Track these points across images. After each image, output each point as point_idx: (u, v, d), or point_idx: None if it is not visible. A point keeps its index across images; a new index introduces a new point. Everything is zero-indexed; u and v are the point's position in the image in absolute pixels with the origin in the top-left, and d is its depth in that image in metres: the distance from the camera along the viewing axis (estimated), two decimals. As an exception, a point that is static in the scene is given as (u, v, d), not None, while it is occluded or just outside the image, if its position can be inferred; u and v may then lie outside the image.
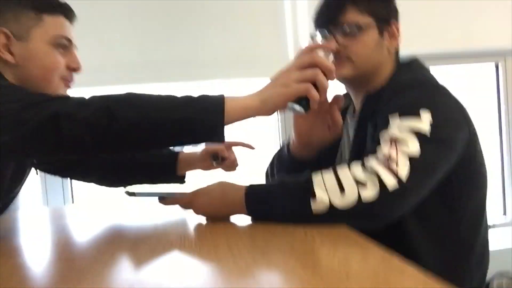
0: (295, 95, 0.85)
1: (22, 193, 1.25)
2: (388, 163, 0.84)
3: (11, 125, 0.79)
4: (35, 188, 2.04)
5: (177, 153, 1.28)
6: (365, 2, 1.05)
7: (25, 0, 1.00)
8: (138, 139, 0.82)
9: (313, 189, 0.84)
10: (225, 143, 1.24)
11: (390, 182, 0.82)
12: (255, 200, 0.90)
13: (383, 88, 1.04)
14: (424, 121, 0.89)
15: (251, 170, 1.42)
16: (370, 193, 0.82)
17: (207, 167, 1.28)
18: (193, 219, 0.97)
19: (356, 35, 1.04)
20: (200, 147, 1.29)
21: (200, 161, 1.27)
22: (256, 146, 1.29)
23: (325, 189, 0.84)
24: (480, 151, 1.04)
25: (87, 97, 0.83)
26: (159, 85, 2.03)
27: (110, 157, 1.25)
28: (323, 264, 0.64)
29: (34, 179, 1.78)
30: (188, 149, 1.31)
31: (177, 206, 1.00)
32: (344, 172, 0.85)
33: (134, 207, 1.23)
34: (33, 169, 1.23)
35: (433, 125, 0.89)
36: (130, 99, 0.82)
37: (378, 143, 0.89)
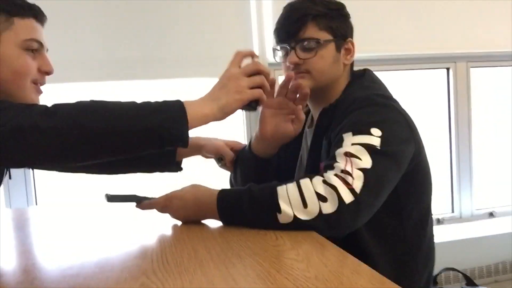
0: (249, 100, 0.95)
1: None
2: (344, 177, 0.92)
3: None
4: (-2, 190, 2.02)
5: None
6: (324, 20, 1.13)
7: None
8: (104, 149, 0.84)
9: (278, 203, 0.91)
10: (225, 142, 1.29)
11: (347, 197, 0.90)
12: (227, 207, 0.97)
13: (337, 102, 1.13)
14: (375, 137, 0.98)
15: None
16: (329, 207, 0.90)
17: (206, 156, 1.31)
18: (164, 221, 1.02)
19: (315, 50, 1.12)
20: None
21: (202, 152, 1.29)
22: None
23: (289, 203, 0.91)
24: (426, 160, 1.14)
25: (50, 104, 0.84)
26: (125, 82, 2.06)
27: None
28: (294, 266, 0.72)
29: None
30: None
31: (154, 210, 1.06)
32: (306, 186, 0.92)
33: (101, 209, 1.25)
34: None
35: (382, 141, 0.98)
36: (95, 108, 0.84)
37: (334, 160, 0.97)
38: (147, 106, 0.87)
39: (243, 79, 0.94)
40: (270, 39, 2.21)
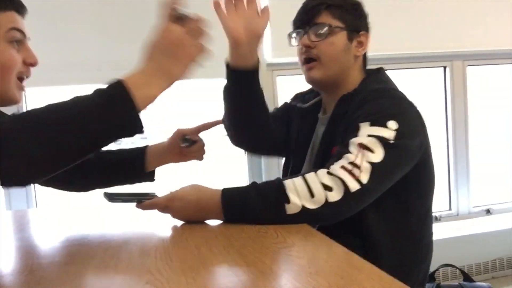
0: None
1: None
2: (352, 170, 0.96)
3: None
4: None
5: (144, 147, 1.27)
6: (338, 10, 1.18)
7: None
8: (70, 158, 0.81)
9: (287, 194, 0.95)
10: (194, 128, 1.26)
11: (353, 185, 0.95)
12: (232, 203, 0.98)
13: (356, 92, 1.16)
14: (390, 131, 1.01)
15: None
16: (336, 195, 0.94)
17: (177, 158, 1.27)
18: (164, 221, 1.03)
19: (326, 36, 1.17)
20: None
21: (169, 149, 1.26)
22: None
23: (297, 194, 0.95)
24: (431, 156, 1.18)
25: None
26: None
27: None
28: (295, 262, 0.74)
29: None
30: (155, 140, 1.29)
31: (155, 210, 1.07)
32: (312, 178, 0.96)
33: (102, 211, 1.26)
34: None
35: (397, 134, 1.02)
36: (42, 128, 0.78)
37: (347, 148, 1.00)
38: (96, 107, 0.80)
39: (190, 42, 0.86)
40: (268, 40, 2.23)
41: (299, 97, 1.39)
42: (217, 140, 1.42)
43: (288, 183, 0.97)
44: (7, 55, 0.98)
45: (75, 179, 1.22)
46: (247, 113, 1.25)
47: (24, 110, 0.85)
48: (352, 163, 0.97)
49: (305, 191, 0.95)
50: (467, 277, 1.75)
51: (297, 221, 0.95)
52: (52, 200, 2.15)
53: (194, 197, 1.01)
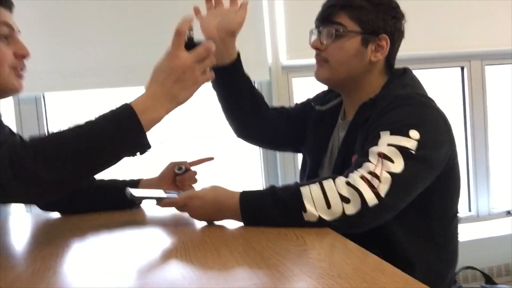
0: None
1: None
2: (371, 180, 0.93)
3: None
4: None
5: (138, 180, 1.30)
6: (356, 11, 1.13)
7: None
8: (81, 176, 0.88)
9: (303, 203, 0.93)
10: (188, 162, 1.29)
11: (371, 199, 0.92)
12: (249, 208, 0.98)
13: (377, 98, 1.12)
14: (412, 140, 0.98)
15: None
16: (352, 208, 0.92)
17: (170, 188, 1.27)
18: (182, 223, 1.04)
19: (337, 39, 1.13)
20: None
21: (161, 180, 1.29)
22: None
23: (313, 204, 0.93)
24: (458, 164, 1.14)
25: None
26: (138, 88, 2.09)
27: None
28: (317, 265, 0.73)
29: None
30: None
31: (173, 208, 1.07)
32: (330, 187, 0.94)
33: (120, 213, 1.25)
34: None
35: (419, 144, 0.98)
36: (55, 154, 0.83)
37: (366, 157, 0.98)
38: (104, 133, 0.85)
39: (197, 67, 0.90)
40: (283, 42, 2.22)
41: (320, 97, 1.37)
42: (233, 139, 1.45)
43: (305, 190, 0.95)
44: None
45: (63, 202, 1.21)
46: (235, 105, 1.31)
47: (42, 134, 0.89)
48: (372, 173, 0.94)
49: (322, 201, 0.93)
50: (488, 279, 1.72)
51: (314, 227, 0.93)
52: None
53: (212, 197, 1.01)
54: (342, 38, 1.13)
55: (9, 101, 1.87)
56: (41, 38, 1.88)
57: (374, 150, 0.98)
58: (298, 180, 1.33)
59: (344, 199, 0.92)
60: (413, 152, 0.97)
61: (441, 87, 2.71)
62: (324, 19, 1.16)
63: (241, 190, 1.01)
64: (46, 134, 0.85)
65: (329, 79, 1.18)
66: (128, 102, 0.88)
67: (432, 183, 1.04)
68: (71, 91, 2.04)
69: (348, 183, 0.94)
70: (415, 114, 1.04)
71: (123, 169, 1.22)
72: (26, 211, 2.09)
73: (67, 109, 2.12)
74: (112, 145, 0.86)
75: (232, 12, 1.18)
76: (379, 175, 0.94)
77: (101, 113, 0.87)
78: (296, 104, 1.44)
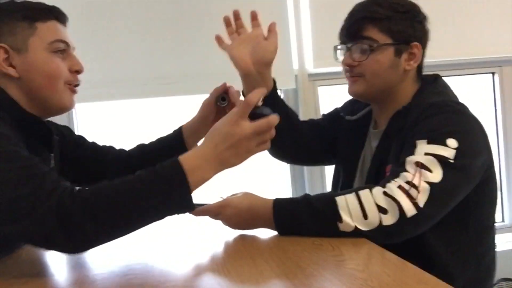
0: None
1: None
2: (409, 190, 0.91)
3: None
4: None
5: (179, 129, 1.26)
6: (386, 23, 1.10)
7: (16, 12, 1.01)
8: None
9: (339, 213, 0.92)
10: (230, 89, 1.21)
11: (409, 210, 0.90)
12: (284, 218, 0.97)
13: (411, 106, 1.10)
14: (450, 149, 0.95)
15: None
16: (390, 219, 0.90)
17: (216, 119, 1.15)
18: (215, 234, 1.04)
19: (369, 53, 1.10)
20: None
21: (203, 116, 1.23)
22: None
23: (350, 214, 0.91)
24: (495, 173, 1.12)
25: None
26: (169, 99, 2.11)
27: (123, 158, 1.28)
28: (356, 276, 0.72)
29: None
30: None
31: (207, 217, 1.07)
32: (366, 198, 0.92)
33: (153, 227, 1.28)
34: None
35: (457, 153, 0.95)
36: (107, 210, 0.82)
37: (403, 167, 0.96)
38: (149, 191, 0.83)
39: (255, 139, 0.87)
40: (309, 50, 2.21)
41: (348, 106, 1.35)
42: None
43: (340, 200, 0.93)
44: (53, 65, 1.03)
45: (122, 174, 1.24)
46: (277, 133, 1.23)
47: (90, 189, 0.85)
48: (410, 183, 0.92)
49: (358, 211, 0.91)
50: (525, 292, 1.66)
51: (349, 237, 0.92)
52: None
53: (246, 205, 1.00)
54: (375, 52, 1.11)
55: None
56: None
57: (411, 159, 0.96)
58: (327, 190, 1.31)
59: (382, 210, 0.91)
60: (451, 161, 0.95)
61: (472, 93, 2.66)
62: (352, 35, 1.13)
63: (273, 198, 1.00)
64: (96, 185, 0.84)
65: (364, 93, 1.15)
66: (178, 158, 0.86)
67: (470, 193, 1.02)
68: (101, 102, 2.07)
69: (385, 193, 0.92)
70: (451, 122, 1.02)
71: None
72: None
73: (97, 119, 2.15)
74: (158, 204, 0.84)
75: (262, 39, 1.14)
76: (417, 185, 0.92)
77: (151, 168, 0.85)
78: (323, 115, 1.43)
